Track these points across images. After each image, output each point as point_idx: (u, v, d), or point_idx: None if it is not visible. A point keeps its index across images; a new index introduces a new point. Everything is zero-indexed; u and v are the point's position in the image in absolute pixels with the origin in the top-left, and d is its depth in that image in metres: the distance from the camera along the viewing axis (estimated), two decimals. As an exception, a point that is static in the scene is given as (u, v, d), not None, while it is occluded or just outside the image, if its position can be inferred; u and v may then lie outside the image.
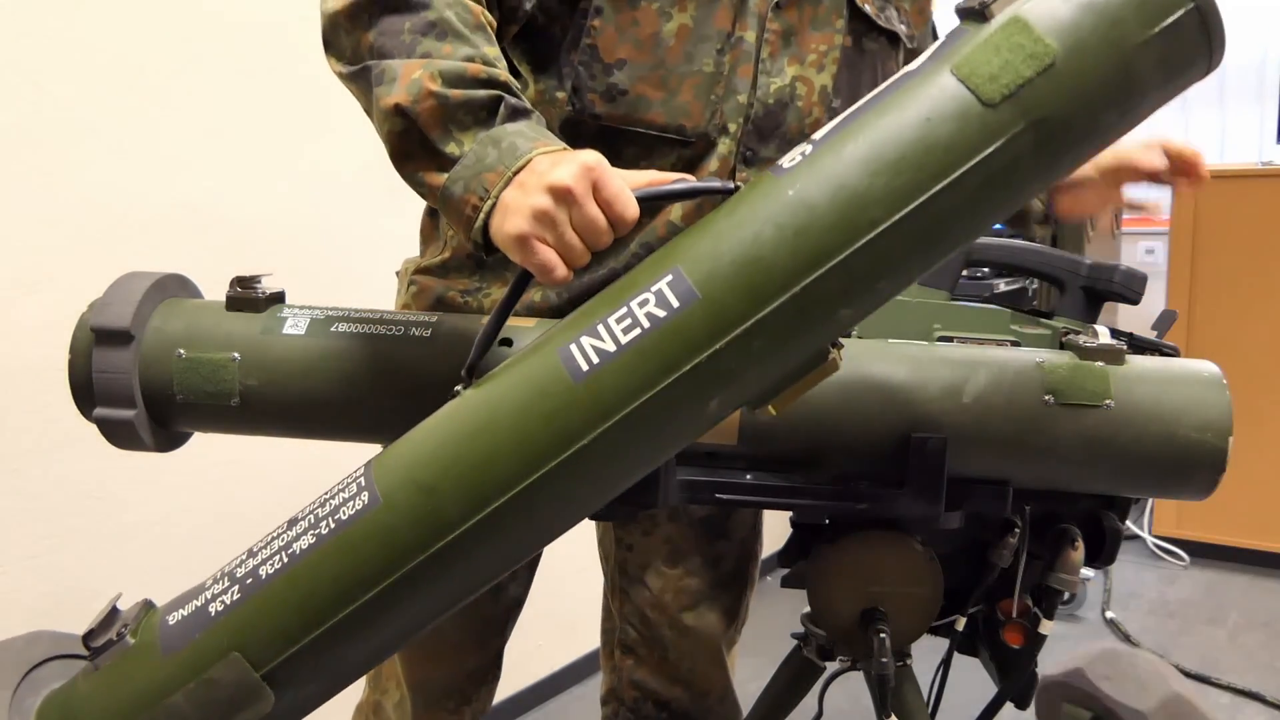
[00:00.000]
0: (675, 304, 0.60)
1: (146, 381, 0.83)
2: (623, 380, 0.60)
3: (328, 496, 0.67)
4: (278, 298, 0.88)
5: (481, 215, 0.73)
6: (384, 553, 0.63)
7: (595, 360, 0.61)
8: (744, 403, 0.66)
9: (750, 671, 1.28)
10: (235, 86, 1.48)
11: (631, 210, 0.69)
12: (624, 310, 0.62)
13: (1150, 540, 3.14)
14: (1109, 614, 2.65)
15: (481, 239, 0.74)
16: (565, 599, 2.12)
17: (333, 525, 0.65)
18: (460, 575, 0.65)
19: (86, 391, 0.84)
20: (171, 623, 0.67)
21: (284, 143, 1.55)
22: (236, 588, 0.66)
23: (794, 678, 1.03)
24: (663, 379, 0.60)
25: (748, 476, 0.83)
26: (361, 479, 0.66)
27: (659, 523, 1.12)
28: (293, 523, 0.67)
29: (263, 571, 0.66)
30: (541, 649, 2.23)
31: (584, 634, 2.24)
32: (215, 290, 0.90)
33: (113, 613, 0.69)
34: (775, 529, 1.26)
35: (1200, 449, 0.81)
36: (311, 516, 0.66)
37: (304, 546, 0.65)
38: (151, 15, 1.36)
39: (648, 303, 0.61)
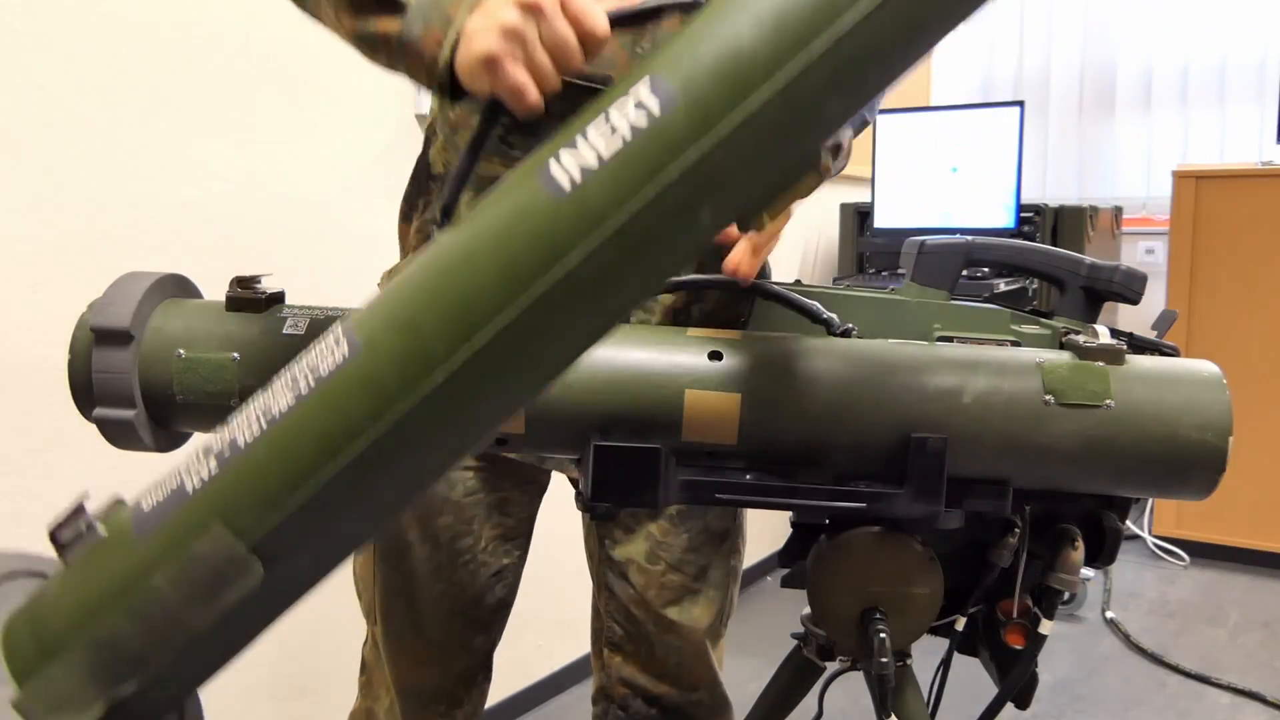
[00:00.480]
0: (656, 108, 0.57)
1: (146, 381, 0.83)
2: (608, 191, 0.57)
3: (302, 356, 0.62)
4: (278, 298, 0.88)
5: (446, 47, 0.71)
6: (369, 399, 0.59)
7: (578, 177, 0.58)
8: (737, 213, 0.62)
9: (750, 671, 1.28)
10: (235, 87, 1.48)
11: (602, 24, 0.69)
12: (603, 121, 0.58)
13: (1150, 540, 3.14)
14: (1109, 614, 2.65)
15: (448, 78, 0.72)
16: (565, 599, 2.12)
17: (311, 382, 0.60)
18: (453, 421, 0.60)
19: (86, 391, 0.84)
20: (146, 509, 0.62)
21: (284, 143, 1.55)
22: (213, 461, 0.61)
23: (794, 678, 1.03)
24: (650, 185, 0.57)
25: (748, 476, 0.83)
26: (338, 332, 0.61)
27: (641, 519, 1.12)
28: (266, 388, 0.62)
29: (240, 440, 0.61)
30: (541, 649, 2.23)
31: (584, 634, 2.24)
32: (215, 290, 0.90)
33: (79, 509, 0.64)
34: (775, 529, 1.26)
35: (1200, 449, 0.81)
36: (287, 378, 0.62)
37: (282, 408, 0.60)
38: (152, 15, 1.36)
39: (627, 111, 0.58)
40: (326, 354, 0.61)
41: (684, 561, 1.13)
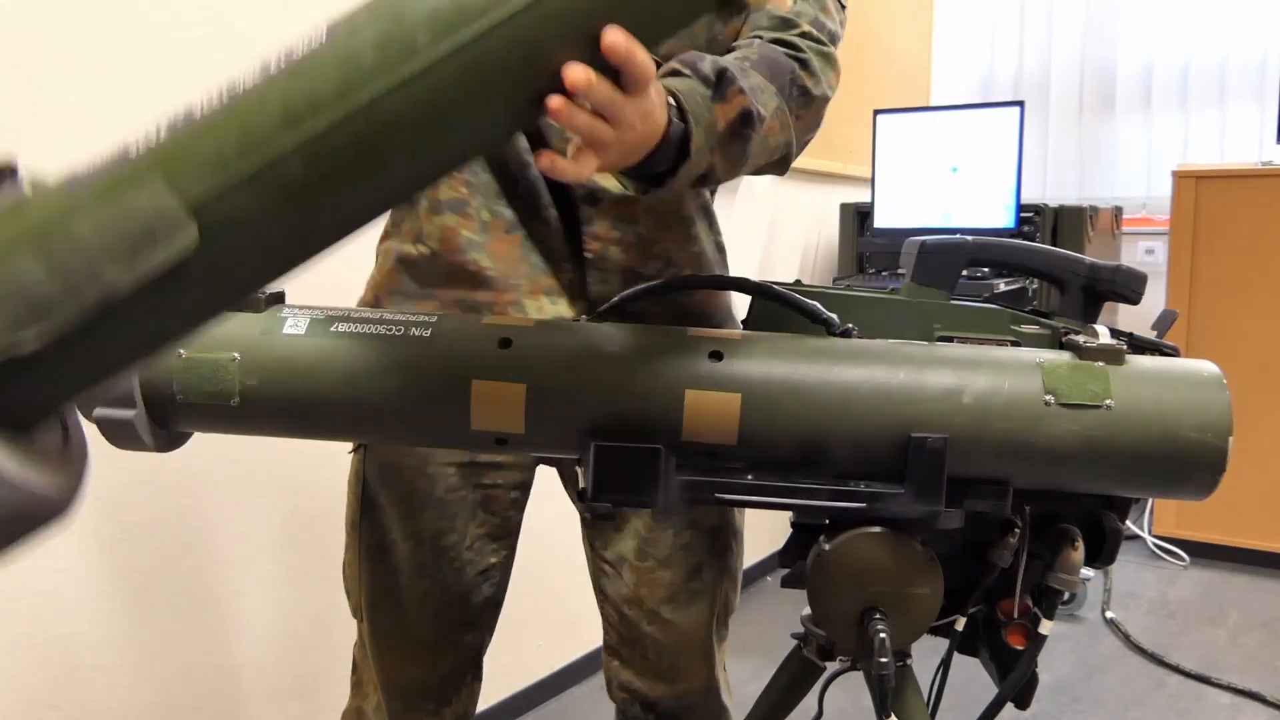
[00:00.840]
0: None
1: (146, 381, 0.83)
2: None
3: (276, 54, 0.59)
4: (278, 298, 0.88)
5: None
6: (340, 74, 0.55)
7: None
8: None
9: (750, 671, 1.28)
10: (235, 86, 1.48)
11: None
12: None
13: (1150, 540, 3.14)
14: (1109, 614, 2.65)
15: None
16: (565, 599, 2.12)
17: (284, 63, 0.57)
18: (426, 119, 0.57)
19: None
20: (81, 175, 0.56)
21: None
22: (164, 128, 0.56)
23: (794, 678, 1.03)
24: None
25: (748, 477, 0.83)
26: (320, 26, 0.59)
27: (628, 518, 1.13)
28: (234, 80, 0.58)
29: (197, 111, 0.56)
30: (541, 649, 2.23)
31: (584, 634, 2.24)
32: (215, 290, 0.90)
33: (10, 169, 0.59)
34: (775, 529, 1.26)
35: (1200, 449, 0.81)
36: (259, 64, 0.58)
37: (249, 84, 0.57)
38: (152, 15, 1.37)
39: None
40: (303, 42, 0.57)
41: (673, 559, 1.13)
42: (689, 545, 1.13)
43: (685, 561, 1.13)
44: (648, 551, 1.13)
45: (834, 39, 1.06)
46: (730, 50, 1.00)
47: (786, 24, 1.02)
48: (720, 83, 0.87)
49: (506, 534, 1.13)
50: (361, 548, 1.11)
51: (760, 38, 1.01)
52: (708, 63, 0.89)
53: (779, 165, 1.02)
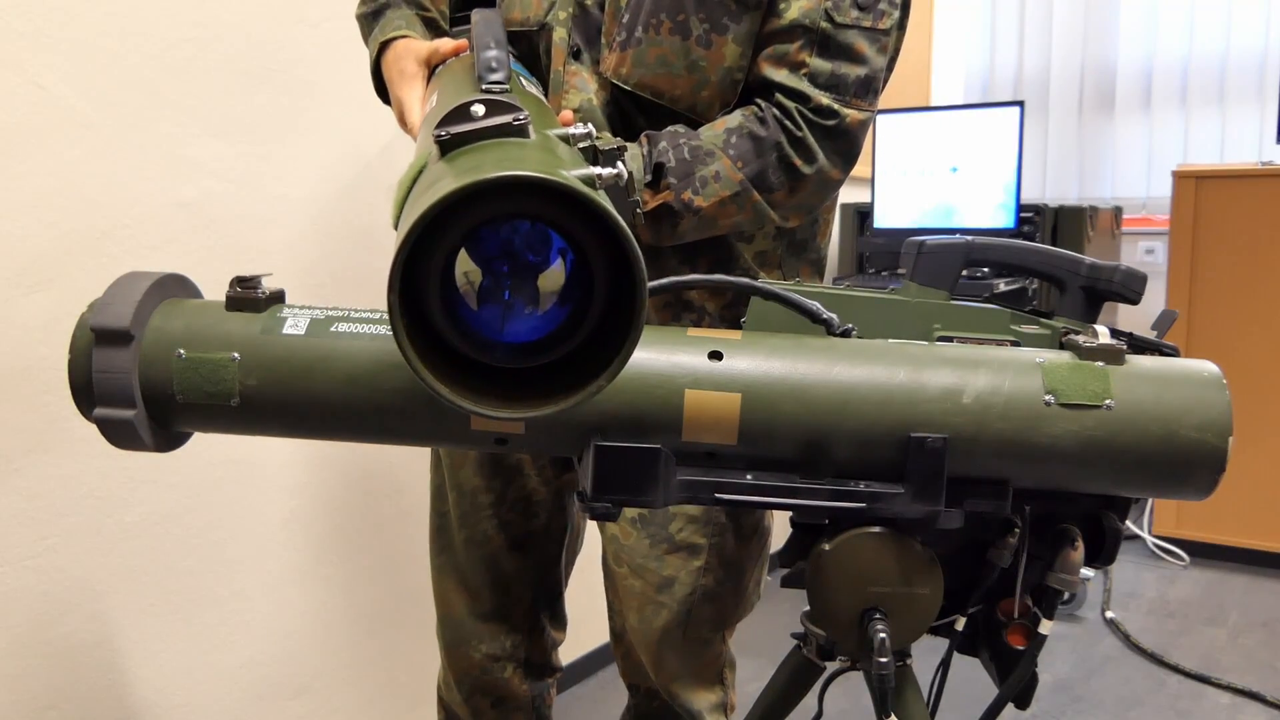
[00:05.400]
0: None
1: (146, 381, 0.83)
2: None
3: None
4: (278, 298, 0.88)
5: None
6: None
7: None
8: None
9: (750, 671, 1.28)
10: (235, 86, 1.48)
11: None
12: None
13: (1150, 540, 3.14)
14: (1109, 614, 2.65)
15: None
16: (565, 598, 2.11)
17: None
18: None
19: (86, 391, 0.84)
20: None
21: (284, 142, 1.55)
22: None
23: (794, 678, 1.02)
24: None
25: (748, 477, 0.83)
26: None
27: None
28: None
29: None
30: (541, 649, 2.23)
31: (584, 634, 2.24)
32: (215, 290, 0.90)
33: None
34: (775, 529, 1.26)
35: (1200, 449, 0.81)
36: None
37: None
38: (152, 15, 1.36)
39: None
40: None
41: (644, 569, 1.13)
42: (664, 559, 1.13)
43: (657, 574, 1.13)
44: (621, 557, 1.14)
45: (864, 86, 1.05)
46: (738, 80, 1.03)
47: (798, 96, 1.02)
48: (656, 175, 0.99)
49: (543, 499, 1.19)
50: (431, 487, 1.23)
51: (772, 98, 1.03)
52: (659, 149, 0.99)
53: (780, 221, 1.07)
